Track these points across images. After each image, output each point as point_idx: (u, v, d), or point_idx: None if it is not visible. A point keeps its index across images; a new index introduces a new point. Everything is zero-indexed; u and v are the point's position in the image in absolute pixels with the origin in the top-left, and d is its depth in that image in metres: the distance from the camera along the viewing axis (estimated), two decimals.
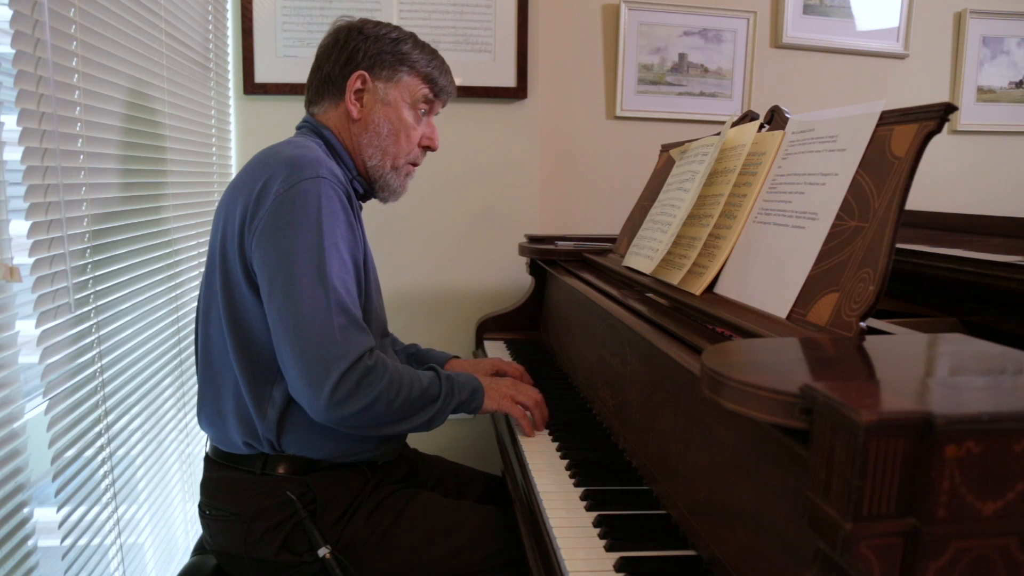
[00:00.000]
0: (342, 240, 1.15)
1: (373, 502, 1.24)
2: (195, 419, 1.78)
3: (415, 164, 1.38)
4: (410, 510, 1.25)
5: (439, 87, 1.35)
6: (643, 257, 1.38)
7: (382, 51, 1.30)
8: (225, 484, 1.23)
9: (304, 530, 1.18)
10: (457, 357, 1.62)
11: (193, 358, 1.73)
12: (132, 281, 1.39)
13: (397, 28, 1.34)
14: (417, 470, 1.45)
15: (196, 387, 1.77)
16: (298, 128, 1.36)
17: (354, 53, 1.29)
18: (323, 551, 1.16)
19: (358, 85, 1.29)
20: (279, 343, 1.12)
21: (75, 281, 1.15)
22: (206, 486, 1.27)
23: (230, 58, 2.10)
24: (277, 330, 1.12)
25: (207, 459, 1.29)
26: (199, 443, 1.82)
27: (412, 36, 1.34)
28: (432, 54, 1.35)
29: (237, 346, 1.19)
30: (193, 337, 1.31)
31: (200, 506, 1.27)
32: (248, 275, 1.17)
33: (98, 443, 1.23)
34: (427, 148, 1.38)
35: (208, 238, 1.90)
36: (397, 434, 1.22)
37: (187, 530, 1.72)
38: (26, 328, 1.04)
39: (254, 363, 1.19)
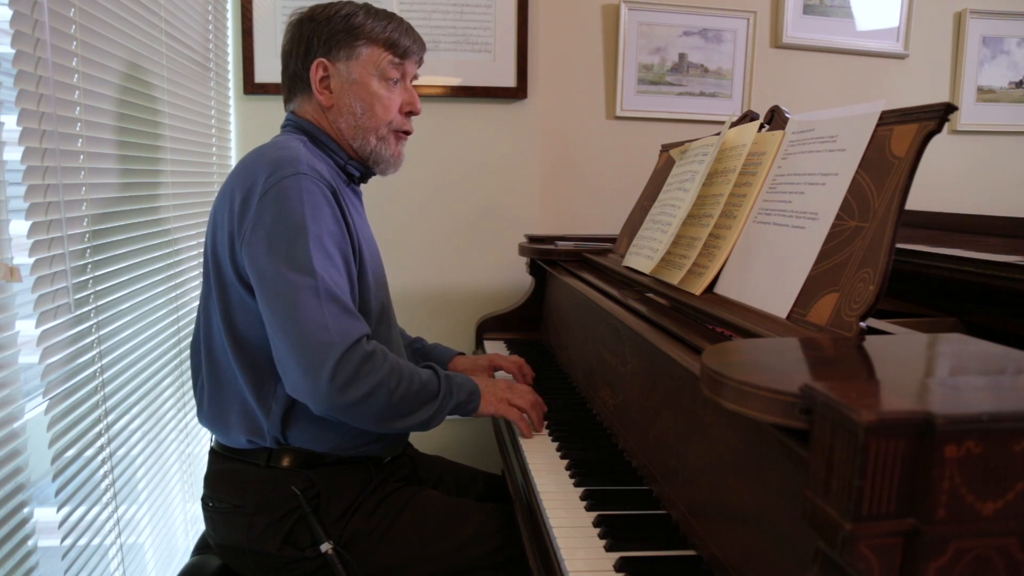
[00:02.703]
0: (327, 234, 1.14)
1: (376, 499, 1.24)
2: (195, 419, 1.78)
3: (405, 132, 1.36)
4: (412, 507, 1.25)
5: (402, 48, 1.31)
6: (643, 257, 1.38)
7: (334, 31, 1.28)
8: (229, 476, 1.24)
9: (307, 525, 1.18)
10: (462, 354, 1.63)
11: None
12: (132, 281, 1.39)
13: (348, 3, 1.31)
14: (418, 469, 1.45)
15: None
16: (282, 127, 1.36)
17: (310, 43, 1.28)
18: (325, 546, 1.16)
19: (321, 73, 1.28)
20: (273, 339, 1.12)
21: (75, 281, 1.15)
22: (210, 478, 1.27)
23: (230, 58, 2.10)
24: (271, 326, 1.12)
25: (212, 452, 1.30)
26: (199, 443, 1.82)
27: (364, 6, 1.31)
28: (388, 18, 1.31)
29: (235, 346, 1.20)
30: (192, 338, 1.31)
31: (203, 499, 1.27)
32: (241, 277, 1.17)
33: (98, 443, 1.23)
34: (410, 113, 1.36)
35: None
36: (396, 431, 1.21)
37: (187, 530, 1.72)
38: (26, 328, 1.04)
39: (254, 361, 1.19)
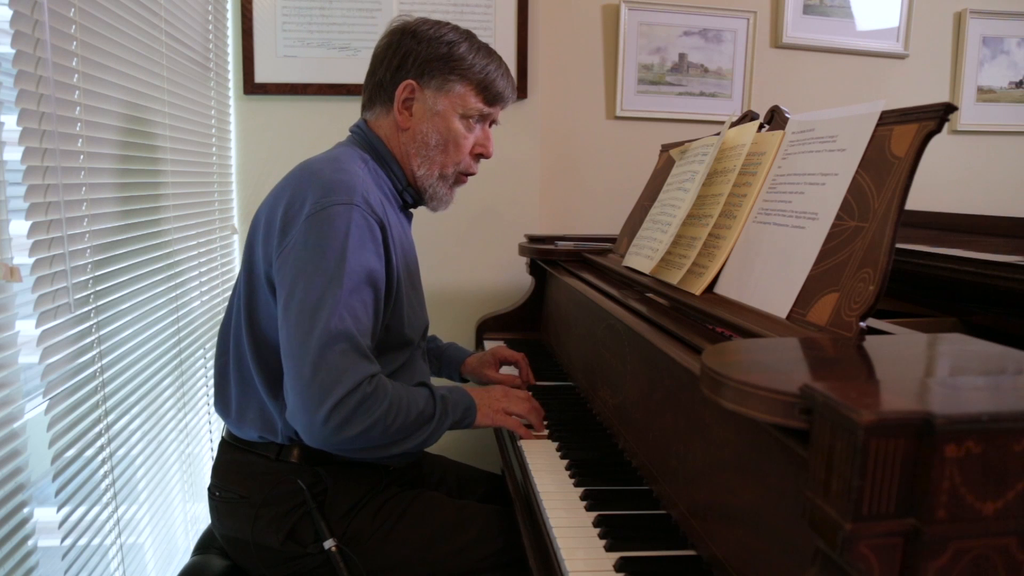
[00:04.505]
0: (363, 270, 1.13)
1: (380, 499, 1.25)
2: (196, 419, 1.79)
3: (468, 173, 1.35)
4: (415, 508, 1.26)
5: (493, 94, 1.30)
6: (643, 257, 1.38)
7: (434, 56, 1.25)
8: (238, 466, 1.24)
9: (311, 521, 1.18)
10: (473, 353, 1.65)
11: (195, 354, 1.75)
12: (132, 281, 1.39)
13: (455, 29, 1.29)
14: (421, 470, 1.46)
15: (197, 385, 1.79)
16: (351, 131, 1.35)
17: (405, 58, 1.26)
18: (329, 543, 1.16)
19: (407, 94, 1.27)
20: (283, 362, 1.12)
21: (75, 281, 1.15)
22: (218, 468, 1.27)
23: (230, 58, 2.10)
24: (283, 349, 1.11)
25: (223, 442, 1.30)
26: (199, 443, 1.83)
27: (468, 37, 1.29)
28: (489, 56, 1.30)
29: (253, 343, 1.21)
30: (222, 324, 1.30)
31: (210, 489, 1.27)
32: (270, 283, 1.18)
33: (98, 443, 1.23)
34: (480, 156, 1.35)
35: (207, 238, 1.90)
36: (387, 455, 1.19)
37: (187, 530, 1.72)
38: (26, 328, 1.04)
39: (270, 362, 1.20)
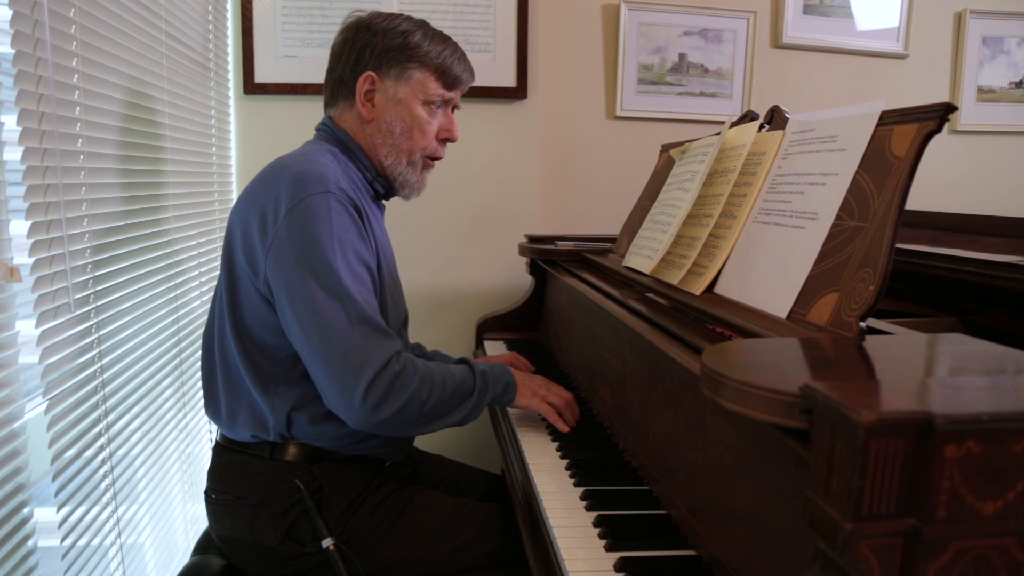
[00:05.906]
0: (354, 254, 1.14)
1: (377, 497, 1.25)
2: (195, 419, 1.79)
3: (434, 158, 1.36)
4: (413, 506, 1.26)
5: (451, 78, 1.32)
6: (643, 257, 1.38)
7: (390, 47, 1.27)
8: (233, 468, 1.24)
9: (309, 520, 1.19)
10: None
11: (195, 355, 1.75)
12: (132, 281, 1.39)
13: (407, 19, 1.31)
14: (419, 470, 1.45)
15: (197, 386, 1.78)
16: (316, 130, 1.36)
17: (362, 52, 1.28)
18: (327, 542, 1.17)
19: (367, 86, 1.28)
20: (308, 361, 1.13)
21: (75, 281, 1.15)
22: (214, 471, 1.28)
23: (230, 58, 2.10)
24: (303, 348, 1.13)
25: (217, 446, 1.30)
26: (199, 442, 1.82)
27: (422, 25, 1.32)
28: (444, 42, 1.32)
29: (239, 344, 1.21)
30: (205, 330, 1.31)
31: (206, 492, 1.28)
32: (255, 284, 1.18)
33: (98, 443, 1.23)
34: (446, 140, 1.37)
35: (207, 238, 1.90)
36: (434, 431, 1.22)
37: (187, 530, 1.72)
38: (26, 328, 1.04)
39: (258, 360, 1.20)
